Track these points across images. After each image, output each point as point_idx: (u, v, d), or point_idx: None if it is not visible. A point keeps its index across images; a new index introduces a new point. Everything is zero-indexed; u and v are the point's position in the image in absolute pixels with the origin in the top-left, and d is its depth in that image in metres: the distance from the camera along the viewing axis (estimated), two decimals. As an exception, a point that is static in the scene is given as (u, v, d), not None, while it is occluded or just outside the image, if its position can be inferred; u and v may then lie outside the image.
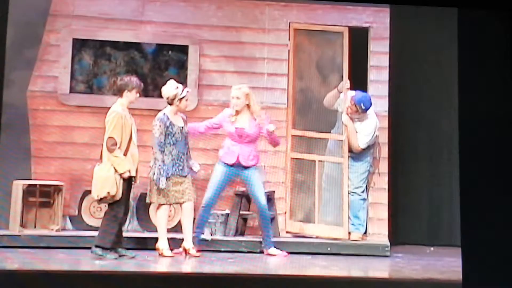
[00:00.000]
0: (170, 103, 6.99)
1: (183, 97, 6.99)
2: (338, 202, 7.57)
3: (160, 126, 6.89)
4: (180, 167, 6.93)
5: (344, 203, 7.54)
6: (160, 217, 6.95)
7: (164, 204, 6.93)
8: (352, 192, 7.60)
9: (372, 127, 7.56)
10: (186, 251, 6.93)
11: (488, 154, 4.57)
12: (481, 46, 4.54)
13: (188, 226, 6.95)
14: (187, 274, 6.37)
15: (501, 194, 4.50)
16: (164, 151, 6.88)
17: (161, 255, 6.86)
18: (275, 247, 7.13)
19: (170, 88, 7.00)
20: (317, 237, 7.56)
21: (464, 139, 4.61)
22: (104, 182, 6.57)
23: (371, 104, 7.52)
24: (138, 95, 6.82)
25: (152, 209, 7.65)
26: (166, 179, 6.84)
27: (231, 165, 7.12)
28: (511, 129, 4.53)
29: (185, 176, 6.96)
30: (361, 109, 7.50)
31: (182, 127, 7.00)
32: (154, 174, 6.85)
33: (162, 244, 6.91)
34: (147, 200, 7.01)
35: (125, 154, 6.64)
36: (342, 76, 7.60)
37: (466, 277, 4.49)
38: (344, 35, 7.62)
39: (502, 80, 4.52)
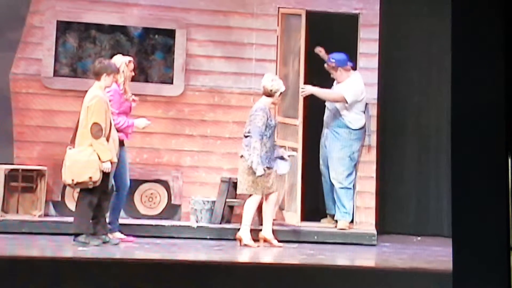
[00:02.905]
0: (271, 95, 6.93)
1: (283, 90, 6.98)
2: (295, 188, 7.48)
3: (263, 117, 6.86)
4: (271, 159, 6.93)
5: (298, 190, 7.37)
6: (252, 207, 6.86)
7: (258, 194, 6.86)
8: (333, 178, 7.53)
9: (353, 84, 7.46)
10: (266, 241, 6.89)
11: (480, 143, 4.54)
12: (475, 33, 4.48)
13: (270, 216, 6.94)
14: (171, 261, 6.30)
15: (493, 183, 4.47)
16: (262, 141, 6.84)
17: (243, 245, 6.81)
18: (120, 231, 6.93)
19: (274, 81, 6.95)
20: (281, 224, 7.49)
21: (456, 128, 4.57)
22: (85, 166, 6.41)
23: (344, 61, 7.46)
24: (114, 79, 6.68)
25: (136, 196, 7.61)
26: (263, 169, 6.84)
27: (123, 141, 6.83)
28: (505, 118, 4.50)
29: (272, 168, 6.96)
30: (333, 64, 7.47)
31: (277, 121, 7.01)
32: (252, 162, 6.79)
33: (245, 234, 6.86)
34: (239, 191, 6.95)
35: (107, 140, 6.52)
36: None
37: (456, 266, 4.46)
38: (302, 17, 7.47)
39: (497, 68, 4.48)
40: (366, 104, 7.60)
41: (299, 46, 7.45)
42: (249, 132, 6.94)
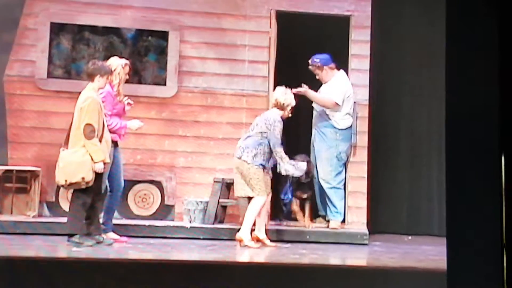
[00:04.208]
0: (283, 109, 6.96)
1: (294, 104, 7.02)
2: None
3: (281, 129, 6.90)
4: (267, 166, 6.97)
5: None
6: (257, 209, 6.88)
7: (264, 196, 6.90)
8: (322, 179, 7.58)
9: (339, 84, 7.51)
10: (259, 240, 6.91)
11: (474, 143, 4.60)
12: (469, 34, 4.53)
13: (263, 216, 6.97)
14: (164, 261, 6.32)
15: (487, 183, 4.53)
16: (267, 148, 6.89)
17: (244, 246, 6.82)
18: (113, 231, 6.97)
19: (286, 94, 6.97)
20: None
21: (450, 128, 4.62)
22: (79, 167, 6.44)
23: (327, 60, 7.53)
24: (107, 81, 6.70)
25: (130, 196, 7.63)
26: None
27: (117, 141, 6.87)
28: (499, 118, 4.56)
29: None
30: (316, 63, 7.54)
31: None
32: (286, 170, 6.90)
33: (246, 235, 6.87)
34: (245, 194, 6.92)
35: (100, 140, 6.55)
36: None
37: (451, 265, 4.51)
38: (272, 17, 7.54)
39: (491, 69, 4.53)
40: (354, 103, 7.65)
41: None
42: (254, 135, 6.93)
